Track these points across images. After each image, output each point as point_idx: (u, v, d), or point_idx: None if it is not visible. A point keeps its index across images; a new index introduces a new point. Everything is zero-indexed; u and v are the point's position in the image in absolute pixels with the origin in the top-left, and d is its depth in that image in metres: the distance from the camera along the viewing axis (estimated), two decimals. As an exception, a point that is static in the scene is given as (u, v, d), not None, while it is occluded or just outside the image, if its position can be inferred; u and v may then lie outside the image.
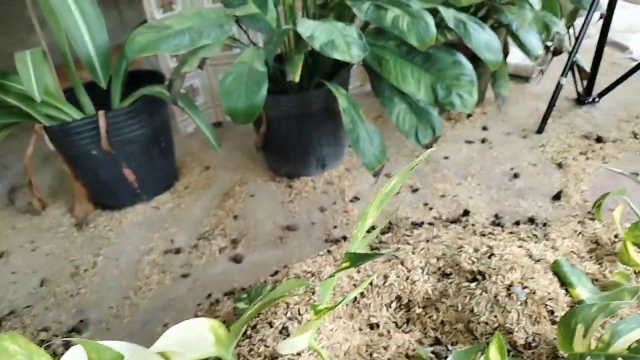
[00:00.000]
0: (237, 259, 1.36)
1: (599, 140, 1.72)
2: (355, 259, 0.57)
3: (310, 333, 0.62)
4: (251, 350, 0.74)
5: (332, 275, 0.61)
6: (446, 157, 1.73)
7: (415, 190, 1.57)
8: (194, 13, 1.18)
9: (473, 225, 1.33)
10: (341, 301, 0.57)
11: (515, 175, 1.60)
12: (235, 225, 1.50)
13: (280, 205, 1.57)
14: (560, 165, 1.63)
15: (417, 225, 1.38)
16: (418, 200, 1.52)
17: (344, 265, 0.59)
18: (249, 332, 0.78)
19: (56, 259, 1.45)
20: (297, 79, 1.14)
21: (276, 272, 1.20)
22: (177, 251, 1.42)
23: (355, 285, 0.85)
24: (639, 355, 0.62)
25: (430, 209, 1.48)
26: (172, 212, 1.59)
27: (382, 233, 1.32)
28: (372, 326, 0.79)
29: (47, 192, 1.77)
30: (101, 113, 1.38)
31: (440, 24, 1.25)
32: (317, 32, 1.08)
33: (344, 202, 1.55)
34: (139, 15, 1.75)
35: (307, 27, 1.09)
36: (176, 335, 0.57)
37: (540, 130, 1.81)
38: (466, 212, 1.43)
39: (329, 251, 0.97)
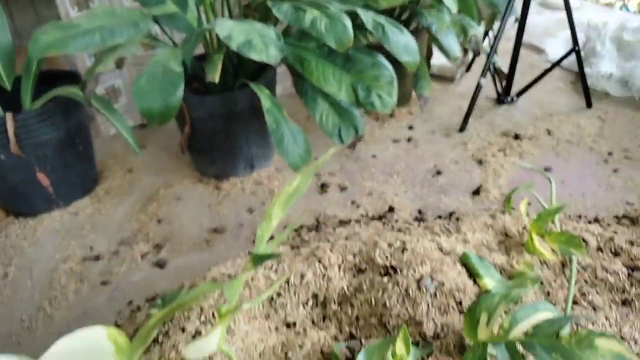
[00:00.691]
0: (160, 264, 1.32)
1: (516, 137, 1.82)
2: (257, 260, 0.57)
3: (217, 336, 0.60)
4: (161, 357, 0.72)
5: (239, 278, 0.60)
6: (374, 156, 1.76)
7: (343, 189, 1.59)
8: (106, 11, 1.13)
9: (396, 221, 1.36)
10: (243, 305, 0.56)
11: (438, 172, 1.66)
12: (159, 229, 1.46)
13: (208, 208, 1.54)
14: (480, 162, 1.70)
15: (344, 223, 1.40)
16: (346, 199, 1.54)
17: (248, 266, 0.58)
18: (160, 339, 0.75)
19: (-39, 271, 1.34)
20: (216, 79, 1.12)
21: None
22: (97, 258, 1.35)
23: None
24: (534, 340, 0.65)
25: (358, 206, 1.50)
26: (91, 218, 1.51)
27: (309, 231, 1.33)
28: (288, 325, 0.79)
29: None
30: (9, 115, 1.30)
31: (362, 26, 1.27)
32: (234, 32, 1.06)
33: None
34: (57, 14, 1.66)
35: (224, 27, 1.07)
36: (68, 347, 0.54)
37: (462, 128, 1.89)
38: (391, 209, 1.46)
39: (249, 252, 0.96)
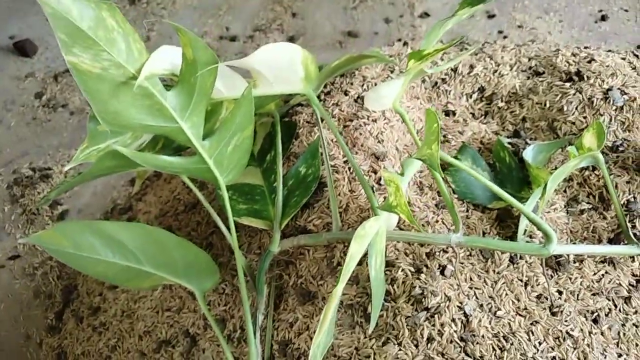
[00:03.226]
0: (293, 56, 1.31)
1: None
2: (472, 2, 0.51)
3: (400, 84, 0.58)
4: (325, 111, 0.72)
5: (438, 25, 0.56)
6: (530, -12, 1.56)
7: (491, 17, 1.44)
8: None
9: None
10: (450, 44, 0.52)
11: (603, 18, 1.45)
12: (293, 22, 1.42)
13: (342, 10, 1.47)
14: (655, 15, 1.46)
15: (487, 50, 1.29)
16: (493, 27, 1.41)
17: (460, 9, 0.53)
18: (322, 97, 0.75)
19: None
20: None
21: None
22: (233, 39, 1.36)
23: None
24: None
25: (505, 37, 1.37)
26: (227, 0, 1.50)
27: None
28: (447, 113, 0.76)
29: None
30: None
31: None
32: None
33: (412, 16, 1.44)
34: None
35: None
36: (269, 55, 0.54)
37: (642, -27, 1.60)
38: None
39: (405, 43, 0.91)
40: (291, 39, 1.36)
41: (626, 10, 1.48)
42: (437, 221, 0.61)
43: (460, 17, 0.57)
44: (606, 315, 0.56)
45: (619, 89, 0.71)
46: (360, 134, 0.68)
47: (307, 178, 0.63)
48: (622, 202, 0.64)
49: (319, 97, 0.76)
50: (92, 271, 0.57)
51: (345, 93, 0.75)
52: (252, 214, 0.61)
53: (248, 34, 1.38)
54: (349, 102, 0.73)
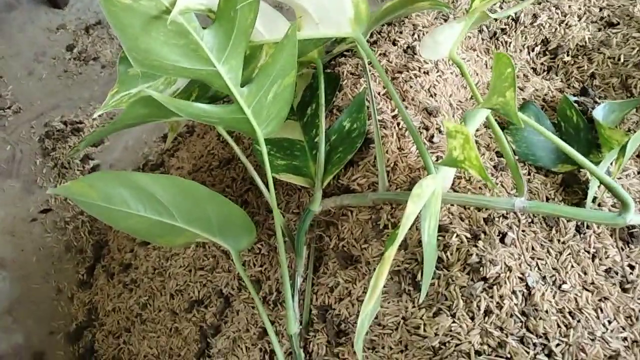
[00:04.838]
0: None
1: None
2: None
3: (460, 31, 0.52)
4: (371, 62, 0.66)
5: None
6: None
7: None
8: None
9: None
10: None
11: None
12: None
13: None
14: None
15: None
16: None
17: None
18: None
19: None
20: None
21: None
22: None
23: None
24: None
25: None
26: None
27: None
28: (506, 68, 0.69)
29: None
30: None
31: None
32: None
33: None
34: None
35: None
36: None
37: None
38: None
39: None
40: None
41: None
42: (496, 184, 0.55)
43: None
44: (684, 294, 0.50)
45: None
46: (411, 86, 0.62)
47: (352, 133, 0.58)
48: None
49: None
50: (123, 225, 0.54)
51: (394, 43, 0.69)
52: (291, 170, 0.57)
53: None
54: (398, 53, 0.67)
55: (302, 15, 0.50)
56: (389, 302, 0.50)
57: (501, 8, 0.73)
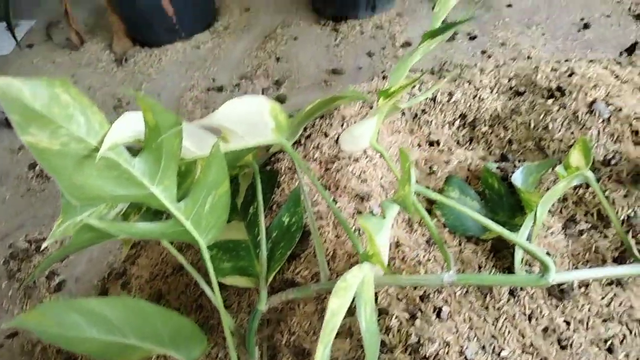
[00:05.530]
0: (280, 99, 1.31)
1: (688, -10, 1.51)
2: (430, 34, 0.50)
3: (373, 125, 0.57)
4: (306, 156, 0.71)
5: (405, 60, 0.55)
6: (509, 5, 1.56)
7: (472, 38, 1.44)
8: None
9: (536, 71, 1.22)
10: (413, 81, 0.51)
11: (585, 26, 1.44)
12: (278, 67, 1.43)
13: (325, 49, 1.48)
14: (638, 17, 1.45)
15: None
16: (475, 48, 1.40)
17: (423, 42, 0.52)
18: (302, 141, 0.74)
19: (97, 92, 1.42)
20: None
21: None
22: (220, 89, 1.37)
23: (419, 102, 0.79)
24: None
25: (489, 57, 1.36)
26: (212, 52, 1.52)
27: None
28: (431, 143, 0.75)
29: (85, 28, 1.70)
30: None
31: None
32: None
33: (394, 47, 1.44)
34: None
35: None
36: (236, 109, 0.53)
37: (620, -22, 1.60)
38: (528, 59, 1.31)
39: (384, 77, 0.90)
40: (277, 83, 1.37)
41: (608, 16, 1.47)
42: (429, 259, 0.58)
43: (425, 49, 0.56)
44: (621, 342, 0.52)
45: (603, 100, 0.69)
46: (343, 175, 0.66)
47: (290, 228, 0.61)
48: (622, 218, 0.61)
49: (299, 141, 0.75)
50: (80, 349, 0.55)
51: (326, 135, 0.74)
52: (237, 272, 0.59)
53: (235, 83, 1.39)
54: (330, 144, 0.72)
55: (226, 132, 0.55)
56: (340, 392, 0.51)
57: (420, 90, 0.80)
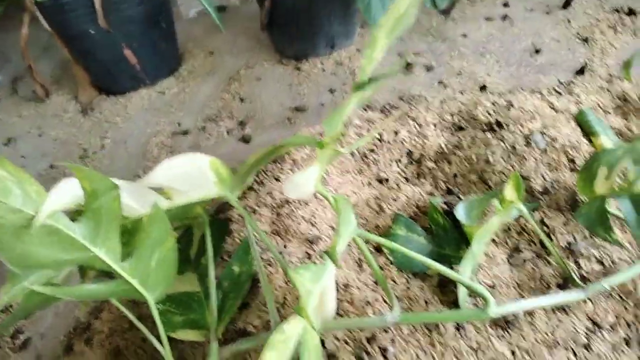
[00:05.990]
0: (245, 139, 1.33)
1: (630, 12, 1.59)
2: (360, 86, 0.52)
3: (316, 171, 0.59)
4: (258, 202, 0.73)
5: (340, 109, 0.57)
6: (464, 35, 1.62)
7: (429, 69, 1.49)
8: None
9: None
10: (340, 150, 0.53)
11: (537, 51, 1.50)
12: (242, 107, 1.46)
13: (288, 88, 1.51)
14: (586, 41, 1.52)
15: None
16: (433, 79, 1.45)
17: (351, 94, 0.55)
18: (255, 187, 0.76)
19: (64, 143, 1.43)
20: None
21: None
22: (185, 133, 1.39)
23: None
24: (665, 193, 0.58)
25: (445, 87, 1.41)
26: (177, 97, 1.54)
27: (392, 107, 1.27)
28: (381, 181, 0.77)
29: (50, 80, 1.72)
30: (94, -14, 1.29)
31: None
32: None
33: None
34: None
35: None
36: (173, 169, 0.54)
37: (566, 4, 1.68)
38: (483, 88, 1.36)
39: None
40: (241, 124, 1.39)
41: (558, 41, 1.54)
42: (377, 299, 0.59)
43: (358, 101, 0.58)
44: (566, 369, 0.54)
45: (539, 131, 0.72)
46: (293, 220, 0.68)
47: (240, 277, 0.62)
48: (563, 245, 0.64)
49: (252, 188, 0.76)
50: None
51: (277, 179, 0.76)
52: (188, 325, 0.60)
53: (200, 126, 1.41)
54: (281, 189, 0.74)
55: (168, 190, 0.56)
56: None
57: (368, 130, 0.82)
